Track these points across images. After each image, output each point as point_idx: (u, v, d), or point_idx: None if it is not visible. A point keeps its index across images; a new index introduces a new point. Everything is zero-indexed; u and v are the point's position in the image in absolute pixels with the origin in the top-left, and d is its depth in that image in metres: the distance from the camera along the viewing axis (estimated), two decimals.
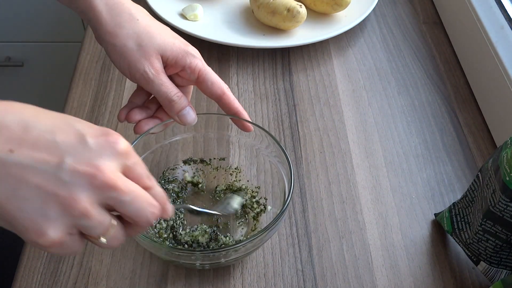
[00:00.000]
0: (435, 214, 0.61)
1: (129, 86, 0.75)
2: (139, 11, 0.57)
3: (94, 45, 0.81)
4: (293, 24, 0.79)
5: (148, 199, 0.39)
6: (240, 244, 0.50)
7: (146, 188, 0.39)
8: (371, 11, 0.86)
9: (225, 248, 0.52)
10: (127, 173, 0.38)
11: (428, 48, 0.83)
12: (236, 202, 0.58)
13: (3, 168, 0.35)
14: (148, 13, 0.58)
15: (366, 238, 0.59)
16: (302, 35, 0.81)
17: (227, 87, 0.58)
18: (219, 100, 0.57)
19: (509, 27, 0.72)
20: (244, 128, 0.58)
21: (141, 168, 0.39)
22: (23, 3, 1.30)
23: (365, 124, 0.71)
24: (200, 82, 0.57)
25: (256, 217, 0.59)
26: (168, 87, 0.55)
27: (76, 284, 0.55)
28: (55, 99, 1.26)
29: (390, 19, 0.88)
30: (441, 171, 0.66)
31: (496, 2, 0.75)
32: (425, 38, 0.84)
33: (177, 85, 0.57)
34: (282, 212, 0.51)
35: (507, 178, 0.47)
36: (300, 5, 0.78)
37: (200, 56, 0.58)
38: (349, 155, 0.67)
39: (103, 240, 0.38)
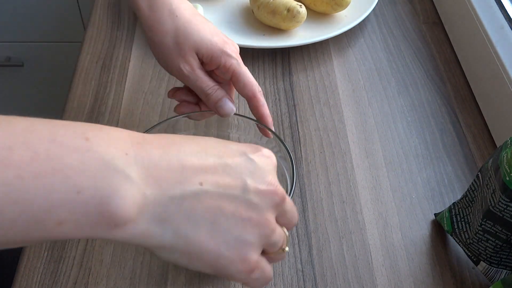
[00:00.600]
0: (435, 214, 0.61)
1: (129, 87, 0.75)
2: (179, 7, 0.56)
3: (94, 45, 0.81)
4: (293, 24, 0.79)
5: (294, 211, 0.41)
6: None
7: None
8: (371, 11, 0.86)
9: None
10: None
11: (428, 48, 0.83)
12: None
13: (200, 201, 0.34)
14: (190, 7, 0.58)
15: (366, 238, 0.59)
16: (302, 35, 0.81)
17: (260, 90, 0.57)
18: (249, 101, 0.58)
19: (509, 27, 0.72)
20: (264, 134, 0.59)
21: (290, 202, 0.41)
22: (23, 3, 1.30)
23: (365, 124, 0.71)
24: (233, 82, 0.57)
25: None
26: (203, 82, 0.56)
27: (76, 284, 0.55)
28: (55, 99, 1.27)
29: (390, 19, 0.88)
30: (441, 171, 0.66)
31: (496, 2, 0.75)
32: (425, 38, 0.85)
33: (217, 80, 0.58)
34: None
35: (507, 178, 0.47)
36: (300, 5, 0.78)
37: (238, 55, 0.57)
38: (349, 155, 0.67)
39: (286, 249, 0.39)
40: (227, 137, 0.62)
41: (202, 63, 0.56)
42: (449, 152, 0.68)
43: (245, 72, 0.57)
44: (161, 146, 0.34)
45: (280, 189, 0.37)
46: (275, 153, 0.57)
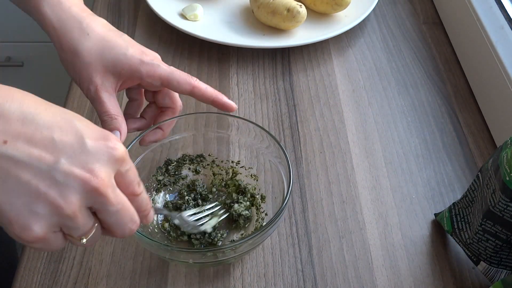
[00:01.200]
0: (435, 214, 0.61)
1: None
2: (90, 24, 0.54)
3: None
4: (293, 24, 0.79)
5: (132, 215, 0.39)
6: (238, 242, 0.50)
7: (135, 194, 0.40)
8: (371, 11, 0.86)
9: (223, 247, 0.52)
10: (119, 178, 0.38)
11: (428, 48, 0.83)
12: (210, 224, 0.57)
13: None
14: (102, 22, 0.55)
15: (366, 238, 0.59)
16: (302, 35, 0.81)
17: (195, 79, 0.56)
18: (192, 94, 0.56)
19: (509, 27, 0.72)
20: (227, 108, 0.57)
21: (133, 175, 0.40)
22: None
23: (365, 124, 0.71)
24: (167, 86, 0.55)
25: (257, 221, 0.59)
26: (105, 107, 0.53)
27: (76, 284, 0.55)
28: (55, 99, 1.27)
29: (390, 19, 0.88)
30: (441, 171, 0.66)
31: (496, 2, 0.75)
32: (425, 38, 0.85)
33: (149, 95, 0.58)
34: (280, 211, 0.51)
35: (507, 178, 0.47)
36: (300, 5, 0.78)
37: (159, 59, 0.56)
38: (349, 155, 0.67)
39: (83, 241, 0.38)
40: (226, 139, 0.62)
41: (124, 80, 0.54)
42: (449, 152, 0.68)
43: (173, 70, 0.55)
44: (8, 91, 0.35)
45: (99, 182, 0.36)
46: (274, 157, 0.57)
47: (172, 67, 0.55)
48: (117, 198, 0.38)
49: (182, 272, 0.56)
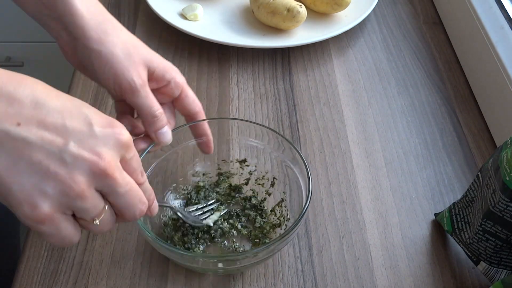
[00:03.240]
0: (435, 214, 0.61)
1: None
2: (119, 23, 0.54)
3: None
4: (293, 24, 0.79)
5: (140, 196, 0.41)
6: (261, 248, 0.50)
7: (138, 183, 0.41)
8: (371, 11, 0.86)
9: (239, 254, 0.52)
10: (124, 165, 0.40)
11: (428, 48, 0.83)
12: (211, 219, 0.59)
13: (8, 140, 0.35)
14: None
15: (366, 238, 0.59)
16: (302, 35, 0.81)
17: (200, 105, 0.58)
18: (193, 116, 0.57)
19: (509, 27, 0.72)
20: (206, 148, 0.59)
21: (137, 163, 0.41)
22: None
23: (365, 124, 0.71)
24: (182, 98, 0.56)
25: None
26: (153, 101, 0.52)
27: (76, 284, 0.55)
28: None
29: (390, 19, 0.88)
30: (441, 171, 0.66)
31: (496, 2, 0.75)
32: (425, 38, 0.85)
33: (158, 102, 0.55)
34: (299, 220, 0.51)
35: (507, 178, 0.47)
36: (300, 5, 0.78)
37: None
38: (349, 155, 0.67)
39: (96, 222, 0.39)
40: (228, 141, 0.62)
41: (150, 79, 0.54)
42: (449, 152, 0.68)
43: (190, 90, 0.56)
44: (21, 77, 0.36)
45: (106, 164, 0.37)
46: (293, 165, 0.57)
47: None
48: (125, 179, 0.39)
49: (182, 272, 0.56)
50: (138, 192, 0.40)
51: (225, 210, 0.60)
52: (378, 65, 0.80)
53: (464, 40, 0.79)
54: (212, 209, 0.60)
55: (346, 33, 0.84)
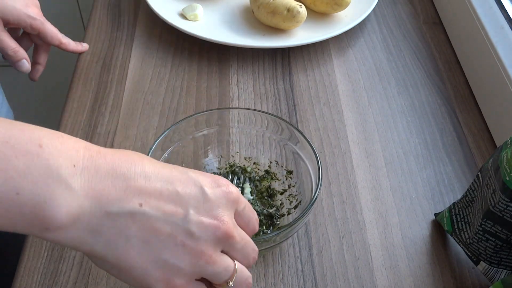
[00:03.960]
0: (435, 214, 0.61)
1: (129, 87, 0.75)
2: None
3: (95, 45, 0.81)
4: (293, 24, 0.79)
5: (252, 246, 0.42)
6: (273, 234, 0.52)
7: (254, 231, 0.43)
8: (371, 11, 0.86)
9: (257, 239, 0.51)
10: (238, 217, 0.41)
11: (428, 48, 0.83)
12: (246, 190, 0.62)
13: (135, 221, 0.35)
14: None
15: (366, 238, 0.59)
16: (302, 35, 0.81)
17: (63, 35, 0.74)
18: (60, 47, 0.75)
19: (509, 27, 0.72)
20: (77, 50, 0.78)
21: (250, 211, 0.43)
22: None
23: (365, 124, 0.71)
24: (42, 37, 0.72)
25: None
26: (6, 43, 0.69)
27: (76, 284, 0.55)
28: (55, 99, 1.26)
29: (390, 19, 0.88)
30: (441, 171, 0.66)
31: (496, 2, 0.75)
32: (425, 38, 0.85)
33: (34, 41, 0.75)
34: (311, 204, 0.53)
35: (507, 178, 0.47)
36: (300, 5, 0.78)
37: (41, 15, 0.71)
38: (349, 155, 0.67)
39: (231, 284, 0.39)
40: (229, 132, 0.63)
41: (11, 28, 0.70)
42: (449, 152, 0.68)
43: (49, 28, 0.72)
44: (112, 162, 0.36)
45: (226, 227, 0.38)
46: (299, 149, 0.58)
47: (49, 23, 0.72)
48: (241, 235, 0.40)
49: None
50: (251, 243, 0.42)
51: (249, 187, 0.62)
52: (378, 65, 0.80)
53: (464, 40, 0.79)
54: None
55: (346, 33, 0.84)
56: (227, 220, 0.39)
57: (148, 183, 0.36)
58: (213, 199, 0.38)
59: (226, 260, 0.39)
